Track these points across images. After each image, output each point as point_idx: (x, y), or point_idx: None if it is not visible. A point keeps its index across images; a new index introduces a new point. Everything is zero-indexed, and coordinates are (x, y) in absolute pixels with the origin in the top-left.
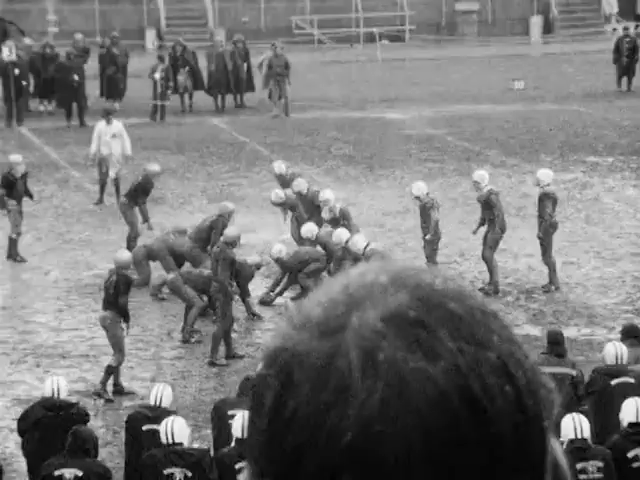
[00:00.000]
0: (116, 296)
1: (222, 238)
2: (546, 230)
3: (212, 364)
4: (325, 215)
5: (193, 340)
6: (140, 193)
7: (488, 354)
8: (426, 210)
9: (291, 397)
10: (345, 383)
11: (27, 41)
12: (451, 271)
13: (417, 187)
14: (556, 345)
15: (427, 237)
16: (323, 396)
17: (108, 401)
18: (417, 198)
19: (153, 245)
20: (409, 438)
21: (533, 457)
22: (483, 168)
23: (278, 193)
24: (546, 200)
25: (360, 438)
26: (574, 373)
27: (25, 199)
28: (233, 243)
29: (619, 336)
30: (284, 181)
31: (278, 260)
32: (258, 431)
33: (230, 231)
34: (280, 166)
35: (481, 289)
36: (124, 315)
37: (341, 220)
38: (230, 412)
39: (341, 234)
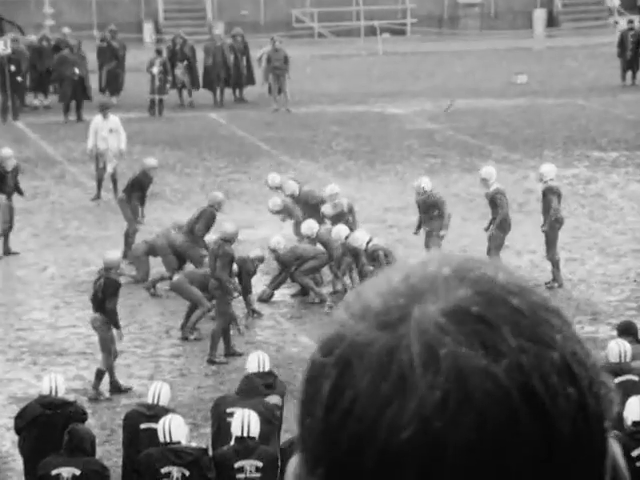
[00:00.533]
0: (104, 300)
1: (220, 234)
2: (552, 225)
3: (211, 362)
4: (327, 210)
5: (192, 337)
6: (137, 188)
7: (551, 353)
8: (438, 205)
9: (350, 387)
10: (406, 377)
11: (31, 37)
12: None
13: (426, 182)
14: None
15: (442, 232)
16: (383, 388)
17: (106, 400)
18: (424, 193)
19: (155, 242)
20: (469, 435)
21: (593, 457)
22: (487, 164)
23: (275, 200)
24: (550, 194)
25: (420, 433)
26: None
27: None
28: (231, 239)
29: (615, 333)
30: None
31: (274, 252)
32: (313, 419)
33: (228, 227)
34: (274, 179)
35: None
36: (113, 321)
37: (347, 215)
38: (229, 410)
39: (340, 230)
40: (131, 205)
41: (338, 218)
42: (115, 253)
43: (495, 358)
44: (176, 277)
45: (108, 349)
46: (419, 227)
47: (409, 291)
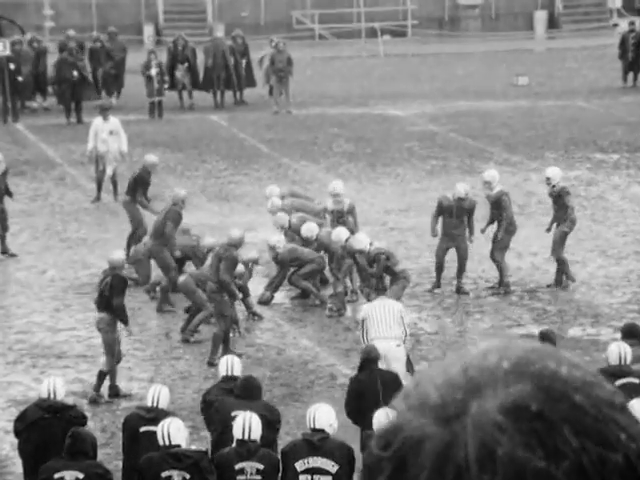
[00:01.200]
0: (111, 298)
1: (226, 239)
2: (569, 226)
3: (211, 364)
4: (330, 205)
5: (192, 340)
6: (139, 185)
7: (614, 454)
8: (473, 210)
9: None
10: (462, 476)
11: (28, 36)
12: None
13: (465, 187)
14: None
15: (473, 238)
16: None
17: (106, 402)
18: (466, 198)
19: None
20: None
21: None
22: (488, 165)
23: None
24: (566, 196)
25: None
26: None
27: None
28: (237, 244)
29: (618, 335)
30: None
31: (273, 249)
32: None
33: (234, 232)
34: (273, 197)
35: (491, 287)
36: (122, 318)
37: (346, 215)
38: (234, 413)
39: (340, 233)
40: (139, 202)
41: (340, 215)
42: (119, 253)
43: (555, 459)
44: (183, 277)
45: (112, 351)
46: (435, 229)
47: (467, 385)
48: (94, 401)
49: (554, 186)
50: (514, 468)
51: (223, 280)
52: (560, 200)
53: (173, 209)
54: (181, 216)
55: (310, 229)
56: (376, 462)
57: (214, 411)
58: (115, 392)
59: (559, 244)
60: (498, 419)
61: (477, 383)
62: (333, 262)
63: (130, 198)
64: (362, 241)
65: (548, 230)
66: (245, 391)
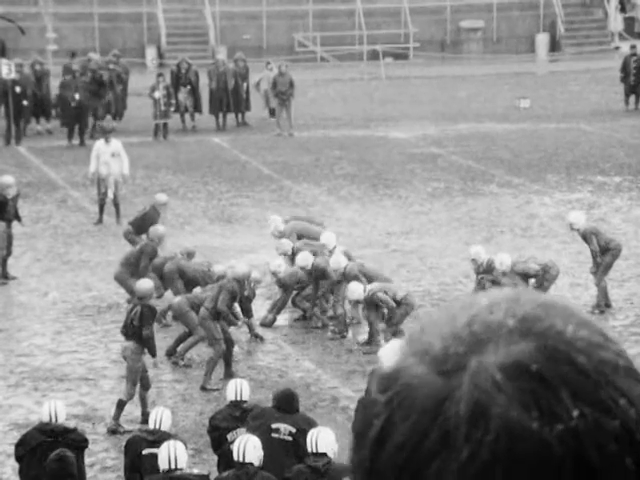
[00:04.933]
0: (140, 327)
1: (231, 274)
2: (614, 254)
3: (204, 389)
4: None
5: (182, 364)
6: (147, 223)
7: (611, 421)
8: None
9: (397, 432)
10: (449, 432)
11: (19, 60)
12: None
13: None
14: None
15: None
16: (428, 440)
17: (126, 432)
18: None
19: (164, 266)
20: None
21: None
22: (490, 188)
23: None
24: (590, 236)
25: None
26: None
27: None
28: (242, 281)
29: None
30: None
31: (275, 274)
32: (362, 456)
33: (241, 268)
34: (277, 227)
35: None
36: (150, 348)
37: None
38: (274, 425)
39: (339, 260)
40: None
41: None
42: (147, 282)
43: (549, 422)
44: (177, 299)
45: (134, 380)
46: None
47: (470, 339)
48: (113, 431)
49: (579, 229)
50: (507, 427)
51: (221, 310)
52: (588, 241)
53: (150, 244)
54: (156, 252)
55: (304, 258)
56: (372, 405)
57: (251, 418)
58: (147, 419)
59: (602, 271)
60: (496, 377)
61: (480, 339)
62: (332, 286)
63: (133, 230)
64: (356, 291)
65: (592, 272)
66: (285, 404)
